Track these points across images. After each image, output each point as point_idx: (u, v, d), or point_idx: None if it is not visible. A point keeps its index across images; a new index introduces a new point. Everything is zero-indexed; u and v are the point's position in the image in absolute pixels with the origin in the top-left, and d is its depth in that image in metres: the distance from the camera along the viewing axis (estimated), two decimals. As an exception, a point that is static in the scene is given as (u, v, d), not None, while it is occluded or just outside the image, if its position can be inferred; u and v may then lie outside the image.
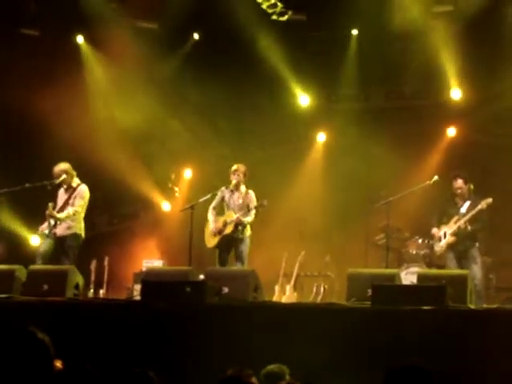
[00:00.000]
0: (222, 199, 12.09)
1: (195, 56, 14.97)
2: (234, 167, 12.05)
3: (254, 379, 6.05)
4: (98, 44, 14.88)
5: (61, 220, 11.45)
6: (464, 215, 11.81)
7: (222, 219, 11.93)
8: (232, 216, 11.80)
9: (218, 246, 11.88)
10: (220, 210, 12.12)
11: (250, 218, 11.82)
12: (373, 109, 15.26)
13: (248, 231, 11.86)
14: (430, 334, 8.29)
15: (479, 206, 11.61)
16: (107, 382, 4.98)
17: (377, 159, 14.08)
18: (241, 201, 11.97)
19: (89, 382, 4.52)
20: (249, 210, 11.80)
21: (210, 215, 12.03)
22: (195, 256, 11.43)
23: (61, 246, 11.44)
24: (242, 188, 12.07)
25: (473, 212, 11.68)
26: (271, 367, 6.27)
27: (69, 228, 11.48)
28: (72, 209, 11.53)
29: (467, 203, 11.93)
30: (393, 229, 12.81)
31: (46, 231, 11.47)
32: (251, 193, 12.02)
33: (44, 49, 14.30)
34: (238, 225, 11.74)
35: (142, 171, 15.11)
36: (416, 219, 13.46)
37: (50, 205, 11.50)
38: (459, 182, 11.97)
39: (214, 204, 12.10)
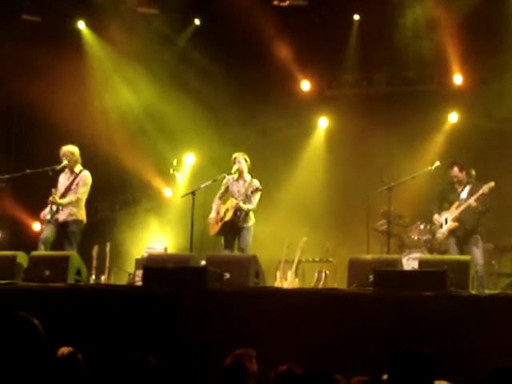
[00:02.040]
0: (227, 188, 12.10)
1: (196, 41, 14.93)
2: (234, 156, 12.05)
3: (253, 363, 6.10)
4: (99, 30, 14.85)
5: (63, 205, 11.45)
6: (466, 200, 11.82)
7: (224, 207, 11.94)
8: (232, 202, 11.80)
9: (221, 233, 11.90)
10: (226, 199, 12.13)
11: (250, 206, 11.80)
12: (374, 94, 15.24)
13: (251, 220, 11.85)
14: (432, 320, 8.29)
15: (481, 191, 11.61)
16: (108, 367, 5.00)
17: (378, 145, 14.07)
18: (244, 189, 11.96)
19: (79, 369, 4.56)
20: (247, 197, 11.78)
21: (214, 205, 12.06)
22: (196, 242, 11.44)
23: (63, 232, 11.45)
24: (247, 176, 12.05)
25: (475, 196, 11.68)
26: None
27: (71, 214, 11.49)
28: (75, 196, 11.53)
29: (467, 188, 11.94)
30: (394, 214, 12.82)
31: (48, 217, 11.48)
32: (256, 181, 12.00)
33: (45, 35, 14.26)
34: (237, 211, 11.72)
35: (143, 157, 15.10)
36: (417, 205, 13.46)
37: (54, 190, 11.50)
38: (455, 170, 12.00)
39: (219, 194, 12.13)
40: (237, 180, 12.04)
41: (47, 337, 3.17)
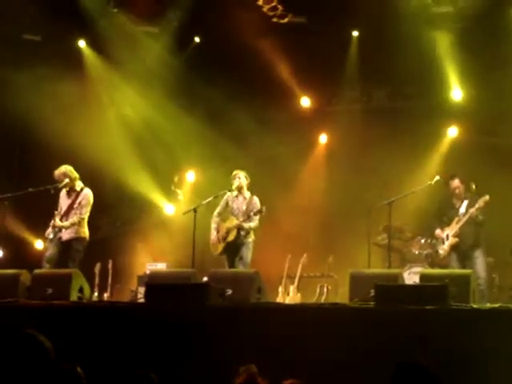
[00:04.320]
0: (227, 205, 12.13)
1: (196, 59, 15.00)
2: (234, 173, 12.09)
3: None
4: (100, 48, 14.91)
5: (65, 228, 11.49)
6: (464, 214, 11.89)
7: (225, 226, 11.96)
8: (234, 222, 11.84)
9: (224, 253, 11.93)
10: (225, 216, 12.16)
11: (253, 224, 11.84)
12: (374, 110, 15.28)
13: (251, 236, 11.89)
14: (433, 334, 8.31)
15: (477, 205, 11.71)
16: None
17: (379, 160, 14.11)
18: (244, 206, 12.00)
19: None
20: (249, 217, 11.82)
21: (213, 223, 12.07)
22: (198, 258, 11.46)
23: (67, 251, 11.47)
24: (247, 193, 12.09)
25: (472, 210, 11.76)
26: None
27: (74, 232, 11.51)
28: (78, 217, 11.52)
29: (465, 202, 12.02)
30: (395, 229, 12.84)
31: (51, 236, 11.51)
32: (256, 199, 12.03)
33: (46, 54, 14.33)
34: (240, 230, 11.78)
35: (145, 174, 15.14)
36: (418, 219, 13.49)
37: (56, 213, 11.54)
38: (456, 182, 12.10)
39: (218, 210, 12.15)
40: (236, 197, 12.08)
41: (55, 354, 3.20)
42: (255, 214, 11.76)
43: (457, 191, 12.11)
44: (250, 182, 12.12)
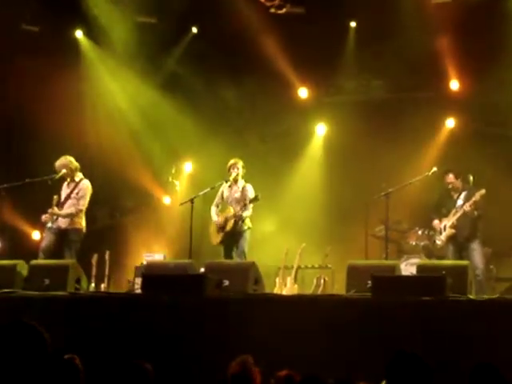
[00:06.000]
0: (222, 195, 12.16)
1: (194, 49, 14.97)
2: (231, 162, 12.10)
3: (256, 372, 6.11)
4: (98, 39, 14.87)
5: (62, 217, 11.50)
6: (461, 206, 11.89)
7: (223, 216, 11.98)
8: (231, 212, 11.86)
9: (222, 242, 11.95)
10: (222, 207, 12.18)
11: (248, 212, 11.86)
12: (372, 101, 15.25)
13: (247, 225, 11.90)
14: (430, 325, 8.31)
15: (473, 198, 11.70)
16: (108, 374, 5.03)
17: (376, 151, 14.10)
18: (238, 194, 12.02)
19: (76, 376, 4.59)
20: (245, 205, 11.83)
21: (213, 213, 12.11)
22: (195, 249, 11.45)
23: (63, 241, 11.48)
24: (240, 182, 12.11)
25: (467, 204, 11.76)
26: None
27: (72, 222, 11.52)
28: (76, 208, 11.54)
29: (463, 194, 12.01)
30: (392, 220, 12.84)
31: (49, 224, 11.52)
32: (249, 187, 12.05)
33: (43, 44, 14.29)
34: (238, 220, 11.80)
35: (142, 165, 15.13)
36: (415, 211, 13.50)
37: (55, 198, 11.55)
38: (450, 177, 12.10)
39: (216, 200, 12.19)
40: (230, 186, 12.10)
41: (53, 345, 3.20)
42: (250, 202, 11.77)
43: (450, 186, 12.13)
44: (245, 172, 12.12)
